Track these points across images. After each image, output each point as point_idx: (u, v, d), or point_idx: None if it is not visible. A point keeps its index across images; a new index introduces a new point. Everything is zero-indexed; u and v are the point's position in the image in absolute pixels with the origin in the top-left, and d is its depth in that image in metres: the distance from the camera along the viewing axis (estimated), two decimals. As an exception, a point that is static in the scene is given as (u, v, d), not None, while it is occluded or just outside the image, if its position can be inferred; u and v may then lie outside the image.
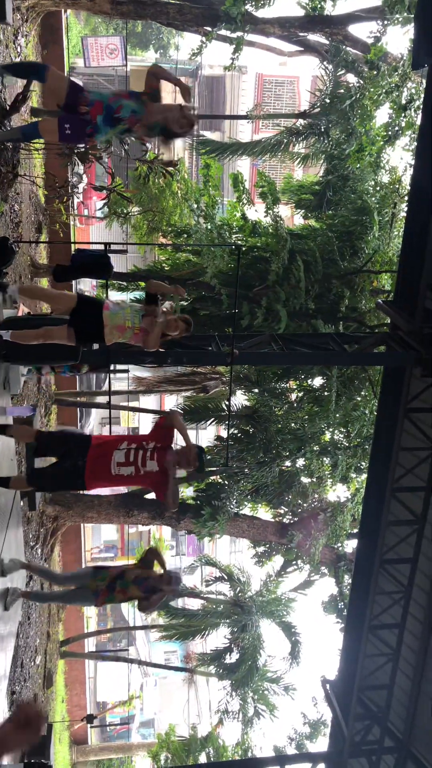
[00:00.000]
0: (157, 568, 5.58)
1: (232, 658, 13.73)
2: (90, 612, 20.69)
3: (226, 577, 14.39)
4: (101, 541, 26.84)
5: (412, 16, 9.13)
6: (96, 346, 5.47)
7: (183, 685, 22.82)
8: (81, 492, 12.20)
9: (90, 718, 12.37)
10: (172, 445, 4.92)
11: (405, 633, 6.94)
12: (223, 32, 10.95)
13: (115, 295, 11.35)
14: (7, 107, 7.00)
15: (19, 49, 9.48)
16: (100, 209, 13.46)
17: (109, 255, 5.25)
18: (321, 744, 13.75)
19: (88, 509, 11.67)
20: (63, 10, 12.34)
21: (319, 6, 10.81)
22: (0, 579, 5.24)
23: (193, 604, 16.11)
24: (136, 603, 5.64)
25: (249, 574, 14.51)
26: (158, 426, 5.02)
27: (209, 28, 10.84)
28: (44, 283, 11.45)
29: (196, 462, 4.87)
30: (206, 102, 25.31)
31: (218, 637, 14.48)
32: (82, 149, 7.74)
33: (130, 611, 24.48)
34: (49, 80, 4.76)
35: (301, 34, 11.50)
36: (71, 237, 13.36)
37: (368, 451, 10.29)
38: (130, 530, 25.61)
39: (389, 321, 7.18)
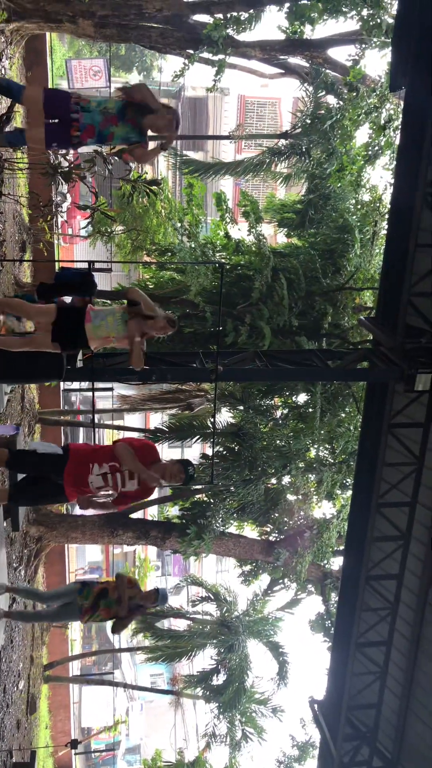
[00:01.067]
0: (143, 586, 5.54)
1: (219, 679, 13.54)
2: (74, 635, 20.37)
3: (212, 597, 14.24)
4: (86, 562, 26.52)
5: (390, 40, 9.36)
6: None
7: (170, 708, 22.44)
8: (65, 512, 12.09)
9: (74, 744, 12.11)
10: (160, 461, 4.85)
11: (392, 650, 6.91)
12: (205, 55, 11.11)
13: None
14: None
15: (3, 71, 9.55)
16: (84, 228, 13.51)
17: (93, 273, 5.25)
18: (310, 766, 13.58)
19: (72, 530, 11.54)
20: (47, 33, 12.47)
21: (298, 30, 11.03)
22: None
23: (180, 624, 15.91)
24: (112, 623, 5.59)
25: (236, 593, 14.38)
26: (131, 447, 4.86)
27: (191, 51, 11.00)
28: (27, 301, 11.40)
29: (182, 475, 4.79)
30: (189, 123, 25.60)
31: (205, 659, 14.30)
32: (66, 169, 7.77)
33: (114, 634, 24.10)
34: (25, 103, 4.78)
35: (282, 57, 11.70)
36: (55, 256, 13.36)
37: (353, 468, 10.32)
38: (115, 551, 25.33)
39: (372, 337, 7.25)
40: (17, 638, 9.85)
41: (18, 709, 9.75)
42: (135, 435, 18.59)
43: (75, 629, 19.84)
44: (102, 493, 4.79)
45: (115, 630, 5.68)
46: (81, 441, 19.04)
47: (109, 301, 11.35)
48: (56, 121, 4.66)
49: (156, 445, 5.64)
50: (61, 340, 4.83)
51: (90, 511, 5.20)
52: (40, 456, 4.80)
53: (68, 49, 26.27)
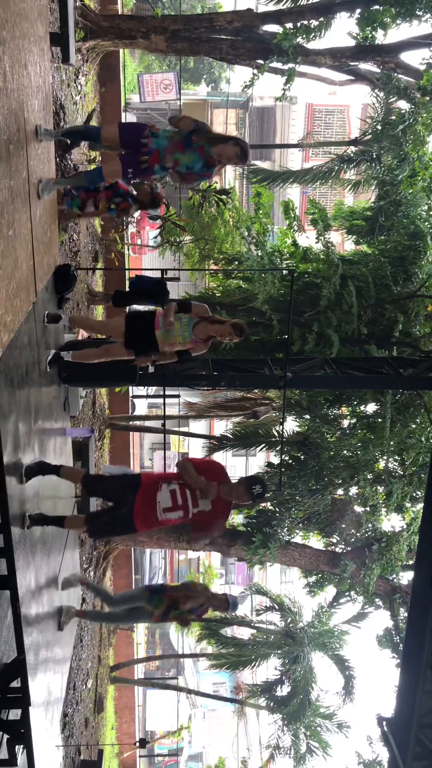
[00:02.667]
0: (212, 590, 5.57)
1: (283, 690, 13.41)
2: (139, 638, 20.65)
3: (276, 607, 14.14)
4: (151, 567, 26.85)
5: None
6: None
7: (232, 717, 22.35)
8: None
9: (143, 743, 12.24)
10: (228, 481, 4.60)
11: (466, 669, 6.66)
12: (275, 64, 11.17)
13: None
14: (75, 171, 7.27)
15: (79, 88, 9.92)
16: (153, 238, 13.79)
17: (166, 281, 5.38)
18: (376, 785, 13.22)
19: (139, 534, 11.74)
20: (120, 50, 12.86)
21: (369, 36, 10.92)
22: (57, 595, 5.30)
23: (244, 633, 15.86)
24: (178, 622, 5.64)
25: (300, 604, 14.22)
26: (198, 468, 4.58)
27: (261, 61, 11.08)
28: (99, 310, 11.76)
29: (247, 496, 4.55)
30: (257, 132, 25.74)
31: (269, 669, 14.19)
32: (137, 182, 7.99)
33: (178, 639, 24.31)
34: (103, 141, 4.96)
35: (352, 63, 11.61)
36: (125, 265, 13.71)
37: (424, 480, 10.05)
38: (180, 557, 25.55)
39: (445, 345, 7.06)
40: (86, 638, 10.09)
41: (86, 707, 9.98)
42: (200, 441, 18.73)
43: (140, 632, 20.10)
44: (170, 516, 4.47)
45: (182, 625, 5.75)
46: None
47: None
48: (129, 149, 4.83)
49: (221, 463, 5.34)
50: (135, 347, 4.97)
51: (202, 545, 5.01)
52: (113, 478, 4.72)
53: (138, 63, 26.97)
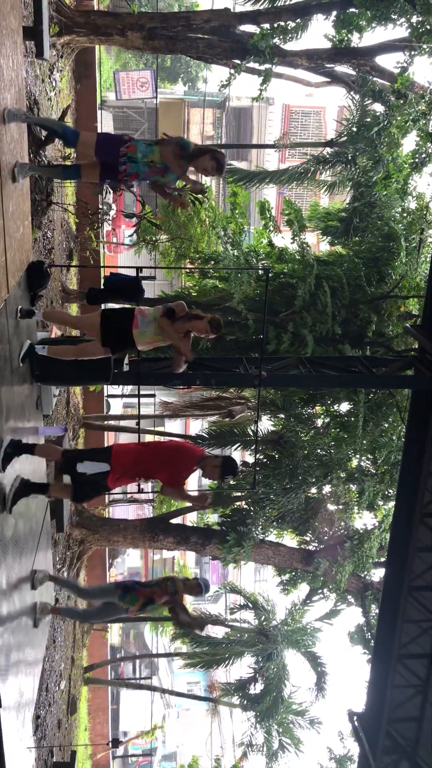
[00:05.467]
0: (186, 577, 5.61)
1: (256, 688, 13.47)
2: (113, 639, 20.55)
3: (250, 605, 14.20)
4: (125, 568, 26.76)
5: (439, 46, 9.28)
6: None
7: (206, 716, 22.40)
8: (107, 515, 12.26)
9: (115, 743, 12.19)
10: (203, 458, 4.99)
11: (435, 664, 6.77)
12: (251, 64, 11.21)
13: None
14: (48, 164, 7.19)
15: (54, 84, 9.83)
16: (129, 236, 13.73)
17: (141, 279, 5.36)
18: (348, 780, 13.36)
19: (114, 533, 11.69)
20: (96, 46, 12.78)
21: (345, 38, 11.02)
22: (29, 594, 5.25)
23: (218, 632, 15.90)
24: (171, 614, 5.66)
25: (274, 602, 14.30)
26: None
27: (238, 61, 11.11)
28: (74, 308, 11.67)
29: (217, 478, 4.96)
30: (233, 132, 25.79)
31: (242, 667, 14.25)
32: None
33: (152, 639, 24.26)
34: (79, 147, 4.96)
35: (328, 65, 11.71)
36: (101, 263, 13.63)
37: (396, 478, 10.17)
38: (155, 557, 25.50)
39: (417, 345, 7.17)
40: (59, 638, 10.02)
41: (59, 708, 9.90)
42: (177, 440, 18.69)
43: (114, 634, 20.00)
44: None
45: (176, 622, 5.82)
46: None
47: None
48: (106, 163, 4.87)
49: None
50: (110, 344, 4.95)
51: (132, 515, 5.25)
52: (88, 476, 4.91)
53: (115, 61, 26.82)
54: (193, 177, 5.33)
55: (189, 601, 6.07)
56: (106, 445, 15.38)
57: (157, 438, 16.88)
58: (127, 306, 5.24)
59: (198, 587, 5.55)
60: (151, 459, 4.95)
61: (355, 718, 7.72)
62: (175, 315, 5.00)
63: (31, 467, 5.23)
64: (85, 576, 15.18)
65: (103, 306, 5.45)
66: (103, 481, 4.89)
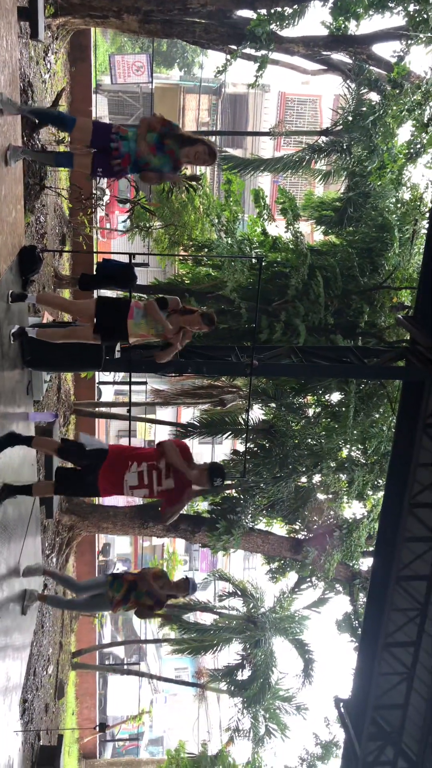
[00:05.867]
0: (173, 577, 5.60)
1: (244, 674, 13.59)
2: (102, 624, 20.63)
3: (239, 593, 14.28)
4: (115, 554, 26.83)
5: (436, 36, 9.23)
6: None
7: (193, 701, 22.61)
8: (96, 502, 12.28)
9: (102, 727, 12.28)
10: (192, 461, 4.89)
11: (420, 652, 6.85)
12: (248, 50, 11.11)
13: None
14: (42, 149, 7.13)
15: (48, 66, 9.71)
16: (123, 222, 13.65)
17: (134, 266, 5.34)
18: (333, 766, 13.54)
19: (103, 520, 11.70)
20: (92, 29, 12.61)
21: (342, 26, 10.94)
22: (17, 581, 5.27)
23: (206, 618, 16.00)
24: (136, 609, 5.68)
25: (262, 590, 14.39)
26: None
27: (234, 47, 11.01)
28: (66, 294, 11.60)
29: (206, 483, 4.82)
30: (229, 119, 25.61)
31: (230, 653, 14.36)
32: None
33: (141, 625, 24.39)
34: (75, 133, 4.91)
35: (325, 53, 11.62)
36: (94, 250, 13.54)
37: (385, 469, 10.23)
38: (144, 544, 25.58)
39: (408, 337, 7.18)
40: (47, 623, 10.05)
41: (47, 693, 9.95)
42: (167, 428, 18.71)
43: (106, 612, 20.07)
44: (136, 493, 4.85)
45: (140, 615, 5.79)
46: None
47: (145, 296, 11.48)
48: (99, 149, 4.80)
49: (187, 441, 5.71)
50: (102, 332, 4.93)
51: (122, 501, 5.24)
52: (86, 451, 4.88)
53: (111, 44, 26.52)
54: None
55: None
56: (96, 435, 15.38)
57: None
58: (123, 296, 5.22)
59: (185, 588, 5.58)
60: (150, 450, 4.96)
61: (341, 704, 7.81)
62: (166, 304, 4.99)
63: (18, 461, 5.22)
64: (74, 562, 15.22)
65: (97, 293, 5.43)
66: (92, 473, 4.80)
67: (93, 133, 4.78)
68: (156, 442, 5.13)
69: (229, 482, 11.63)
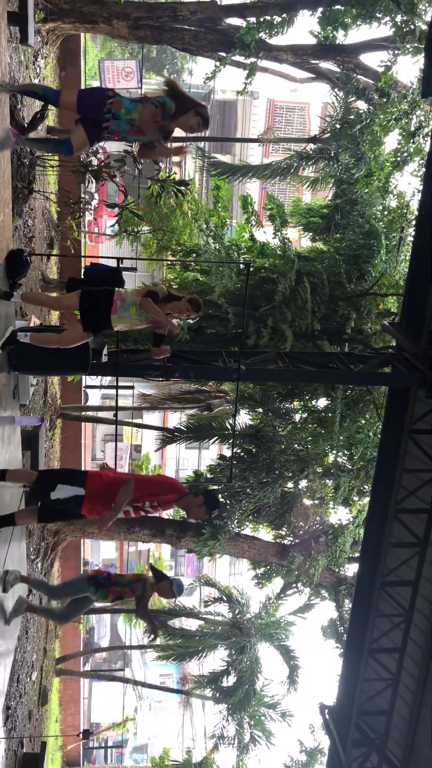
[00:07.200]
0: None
1: (229, 681, 13.54)
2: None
3: (225, 598, 14.25)
4: (100, 559, 26.67)
5: (423, 46, 9.34)
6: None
7: (178, 708, 22.49)
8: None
9: (86, 734, 12.18)
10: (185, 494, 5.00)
11: (405, 658, 6.87)
12: (237, 58, 11.18)
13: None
14: (25, 125, 7.15)
15: (38, 70, 9.71)
16: (111, 227, 13.63)
17: (122, 270, 5.34)
18: (317, 772, 13.52)
19: (89, 524, 11.64)
20: (81, 34, 12.63)
21: (330, 35, 11.04)
22: (2, 594, 5.23)
23: (191, 624, 15.95)
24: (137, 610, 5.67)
25: (248, 595, 14.37)
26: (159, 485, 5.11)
27: (223, 54, 11.08)
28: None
29: (204, 515, 5.04)
30: (218, 125, 25.69)
31: (215, 660, 14.31)
32: (96, 168, 7.88)
33: (126, 631, 24.23)
34: (61, 106, 4.91)
35: (313, 61, 11.74)
36: (81, 254, 13.51)
37: (371, 474, 10.28)
38: (130, 549, 25.47)
39: (395, 343, 7.23)
40: (32, 629, 9.97)
41: (30, 699, 9.86)
42: (154, 433, 18.64)
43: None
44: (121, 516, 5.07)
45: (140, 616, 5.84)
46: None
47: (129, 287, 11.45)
48: (89, 119, 4.75)
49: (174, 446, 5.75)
50: (90, 327, 4.93)
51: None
52: (62, 501, 4.88)
53: (100, 49, 26.55)
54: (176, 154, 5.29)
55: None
56: (82, 439, 15.31)
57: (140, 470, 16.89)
58: (106, 288, 5.14)
59: (170, 591, 5.53)
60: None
61: (326, 711, 7.80)
62: (157, 296, 4.98)
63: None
64: (59, 567, 15.11)
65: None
66: (75, 509, 4.90)
67: (79, 105, 4.74)
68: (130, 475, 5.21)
69: (215, 487, 11.63)
